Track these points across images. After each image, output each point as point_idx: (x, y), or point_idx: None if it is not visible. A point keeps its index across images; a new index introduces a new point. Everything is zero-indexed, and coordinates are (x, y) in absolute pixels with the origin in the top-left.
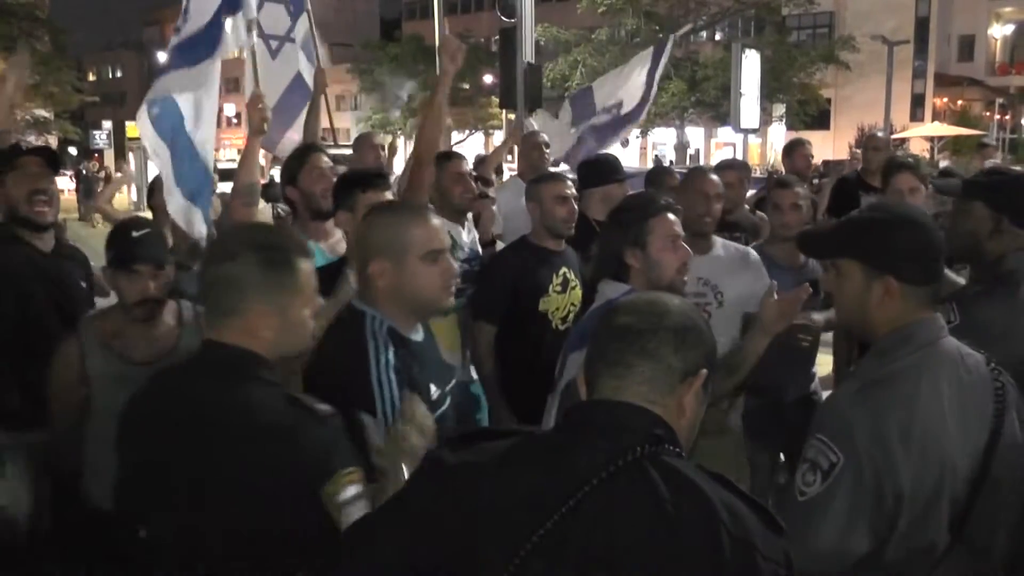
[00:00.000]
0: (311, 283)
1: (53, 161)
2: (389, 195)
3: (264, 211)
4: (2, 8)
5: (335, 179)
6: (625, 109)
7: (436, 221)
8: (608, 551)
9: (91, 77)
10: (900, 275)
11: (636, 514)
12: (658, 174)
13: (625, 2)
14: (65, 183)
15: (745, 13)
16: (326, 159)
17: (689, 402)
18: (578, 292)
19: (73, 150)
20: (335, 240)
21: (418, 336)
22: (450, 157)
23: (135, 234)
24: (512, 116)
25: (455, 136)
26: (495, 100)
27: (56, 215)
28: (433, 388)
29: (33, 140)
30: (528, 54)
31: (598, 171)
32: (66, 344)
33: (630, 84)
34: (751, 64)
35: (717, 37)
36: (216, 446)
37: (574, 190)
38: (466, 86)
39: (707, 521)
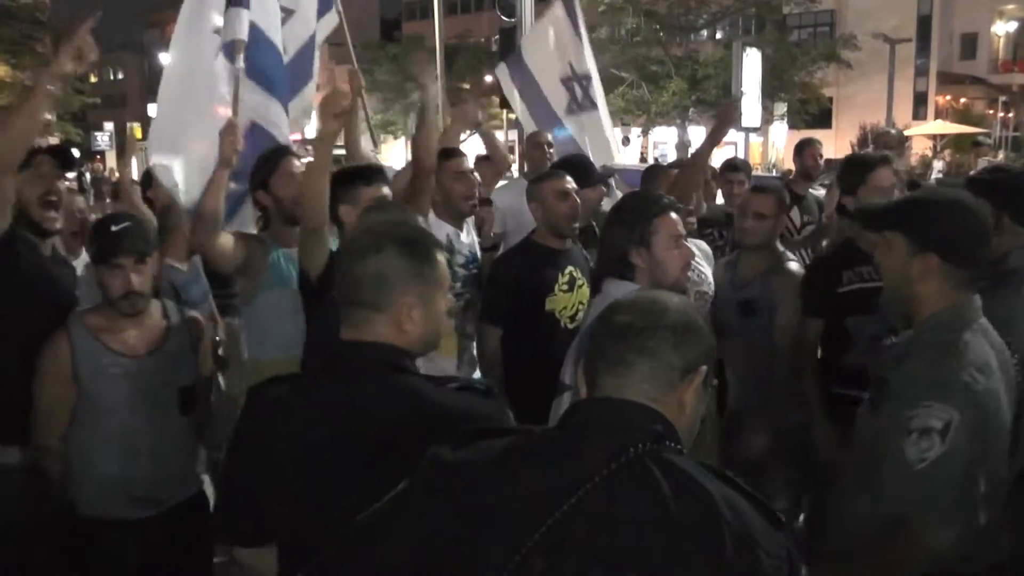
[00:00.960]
0: (447, 275)
1: (66, 160)
2: (386, 190)
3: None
4: (4, 11)
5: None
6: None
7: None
8: (610, 549)
9: (92, 79)
10: (941, 254)
11: (638, 511)
12: (654, 172)
13: (625, 1)
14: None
15: (746, 11)
16: (299, 163)
17: (689, 399)
18: (586, 291)
19: (75, 152)
20: None
21: None
22: (450, 155)
23: (115, 228)
24: (513, 115)
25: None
26: (495, 100)
27: (63, 220)
28: None
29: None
30: None
31: (570, 175)
32: (55, 338)
33: (569, 47)
34: (752, 63)
35: (718, 36)
36: (397, 440)
37: (575, 185)
38: (466, 86)
39: (709, 518)
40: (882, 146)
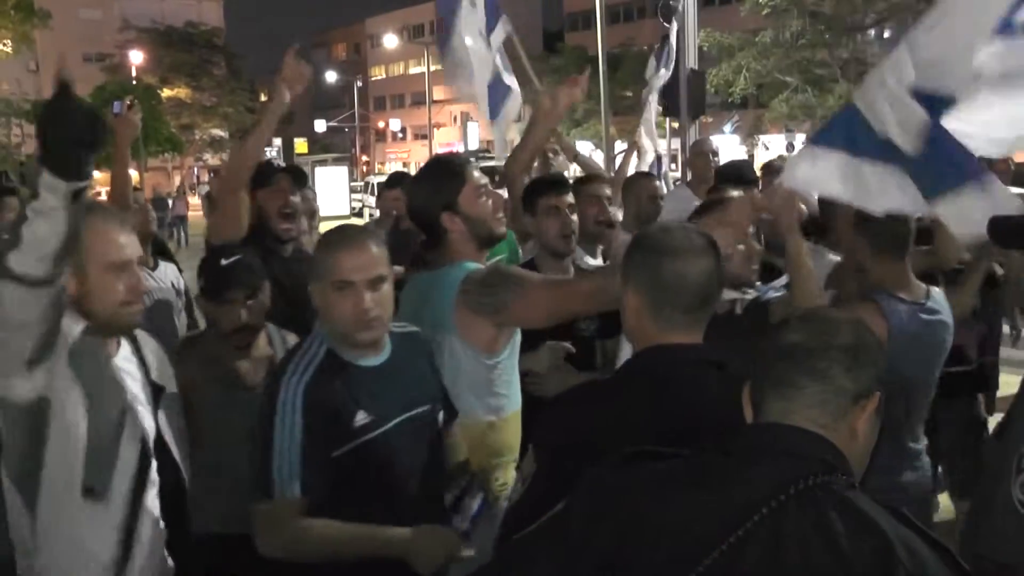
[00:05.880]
0: None
1: (299, 178)
2: (569, 199)
3: None
4: (185, 37)
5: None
6: None
7: (353, 252)
8: None
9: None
10: None
11: (807, 548)
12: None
13: (789, 3)
14: None
15: (916, 7)
16: (482, 175)
17: (861, 427)
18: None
19: None
20: None
21: (370, 361)
22: (590, 180)
23: (224, 262)
24: (676, 124)
25: (618, 145)
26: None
27: (299, 228)
28: (361, 414)
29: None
30: (691, 60)
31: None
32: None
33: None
34: None
35: (886, 35)
36: None
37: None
38: (629, 94)
39: (883, 559)
40: None
